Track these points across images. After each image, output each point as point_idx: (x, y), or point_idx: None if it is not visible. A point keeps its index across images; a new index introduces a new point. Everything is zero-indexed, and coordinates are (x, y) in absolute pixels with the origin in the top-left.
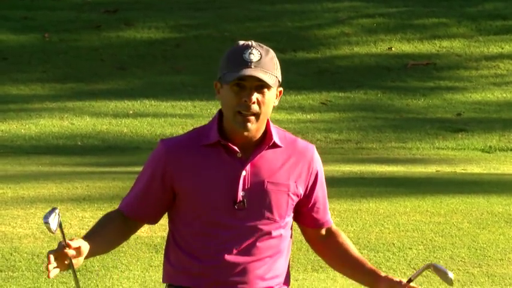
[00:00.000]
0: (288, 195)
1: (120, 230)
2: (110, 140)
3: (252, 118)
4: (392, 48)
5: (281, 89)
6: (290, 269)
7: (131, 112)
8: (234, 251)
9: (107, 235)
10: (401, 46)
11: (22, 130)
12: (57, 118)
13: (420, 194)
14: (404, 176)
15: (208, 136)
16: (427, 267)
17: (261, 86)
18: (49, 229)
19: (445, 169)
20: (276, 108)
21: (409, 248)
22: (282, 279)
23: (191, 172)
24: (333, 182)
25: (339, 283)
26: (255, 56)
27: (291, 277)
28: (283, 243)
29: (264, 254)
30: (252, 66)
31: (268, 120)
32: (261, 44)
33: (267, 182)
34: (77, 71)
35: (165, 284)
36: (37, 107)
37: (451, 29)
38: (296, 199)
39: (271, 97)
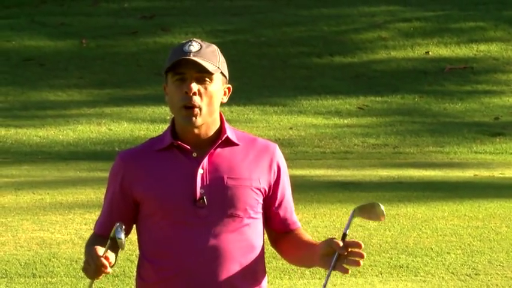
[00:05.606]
0: (251, 189)
1: None
2: None
3: (196, 111)
4: (430, 52)
5: (229, 85)
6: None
7: (169, 117)
8: (201, 255)
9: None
10: (439, 50)
11: (60, 136)
12: (94, 124)
13: (458, 199)
14: (442, 180)
15: (162, 141)
16: (353, 213)
17: (201, 77)
18: (121, 245)
19: (483, 173)
20: (313, 113)
21: (447, 253)
22: (258, 282)
23: (147, 176)
24: (371, 187)
25: None
26: (194, 47)
27: (330, 283)
28: (253, 242)
29: (233, 255)
30: (191, 56)
31: (222, 118)
32: (204, 41)
33: (227, 177)
34: (114, 77)
35: None
36: (74, 113)
37: (488, 33)
38: (260, 195)
39: (215, 90)
